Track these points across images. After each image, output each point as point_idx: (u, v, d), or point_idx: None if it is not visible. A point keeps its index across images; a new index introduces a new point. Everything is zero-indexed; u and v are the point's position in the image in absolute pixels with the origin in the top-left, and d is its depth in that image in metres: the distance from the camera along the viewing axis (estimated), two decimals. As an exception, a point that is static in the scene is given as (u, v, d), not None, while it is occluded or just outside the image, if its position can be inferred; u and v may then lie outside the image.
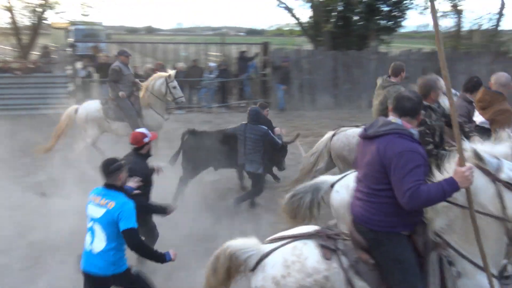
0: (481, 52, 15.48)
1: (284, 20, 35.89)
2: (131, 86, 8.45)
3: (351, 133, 6.17)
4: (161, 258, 3.65)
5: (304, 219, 4.39)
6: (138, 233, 3.59)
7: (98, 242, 3.56)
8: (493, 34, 16.48)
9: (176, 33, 39.05)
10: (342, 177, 4.41)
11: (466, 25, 17.45)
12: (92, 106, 8.47)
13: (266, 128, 6.61)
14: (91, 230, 3.61)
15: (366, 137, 3.10)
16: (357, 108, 14.63)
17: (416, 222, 3.05)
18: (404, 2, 16.88)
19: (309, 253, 3.07)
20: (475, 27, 16.95)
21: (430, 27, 19.26)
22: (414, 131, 3.03)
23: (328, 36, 16.02)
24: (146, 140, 4.71)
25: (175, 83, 8.47)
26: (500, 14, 16.75)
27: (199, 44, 16.44)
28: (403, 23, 17.93)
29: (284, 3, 17.16)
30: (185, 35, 33.34)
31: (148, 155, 4.77)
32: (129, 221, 3.51)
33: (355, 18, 16.76)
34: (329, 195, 4.36)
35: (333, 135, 6.35)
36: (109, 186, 3.66)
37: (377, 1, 16.34)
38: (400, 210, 2.92)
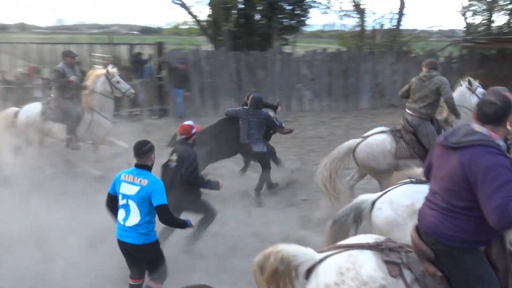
0: (384, 52, 16.29)
1: (182, 18, 35.37)
2: (76, 89, 8.50)
3: (373, 142, 6.49)
4: (184, 224, 4.40)
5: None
6: (168, 208, 4.19)
7: (133, 216, 4.18)
8: (395, 34, 17.47)
9: (56, 31, 36.48)
10: (383, 194, 4.31)
11: (369, 25, 18.42)
12: (33, 108, 8.54)
13: (266, 111, 7.49)
14: (125, 206, 4.23)
15: (446, 147, 2.96)
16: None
17: (495, 237, 2.98)
18: (307, 0, 17.32)
19: (364, 261, 3.04)
20: (377, 27, 17.87)
21: (337, 26, 19.96)
22: (501, 142, 2.88)
23: (228, 36, 15.78)
24: (193, 131, 5.60)
25: (117, 78, 8.56)
26: (401, 14, 17.85)
27: (82, 44, 15.25)
28: (307, 22, 18.43)
29: (180, 0, 16.69)
30: (67, 33, 31.28)
31: (194, 144, 5.61)
32: (161, 198, 4.15)
33: (257, 16, 16.72)
34: (371, 214, 4.26)
35: (357, 145, 6.55)
36: (141, 166, 4.27)
37: (280, 0, 16.51)
38: (481, 228, 2.84)
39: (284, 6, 16.88)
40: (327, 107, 15.40)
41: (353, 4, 18.14)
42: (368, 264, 3.02)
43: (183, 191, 5.26)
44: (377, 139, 6.53)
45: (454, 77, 16.65)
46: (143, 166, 4.28)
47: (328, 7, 18.16)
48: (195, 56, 14.63)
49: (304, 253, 3.19)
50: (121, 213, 4.27)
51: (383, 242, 3.15)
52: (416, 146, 6.48)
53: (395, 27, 17.79)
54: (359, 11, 18.07)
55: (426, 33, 23.56)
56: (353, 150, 6.58)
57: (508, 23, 19.94)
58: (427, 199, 3.13)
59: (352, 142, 6.70)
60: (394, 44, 16.66)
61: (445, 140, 2.99)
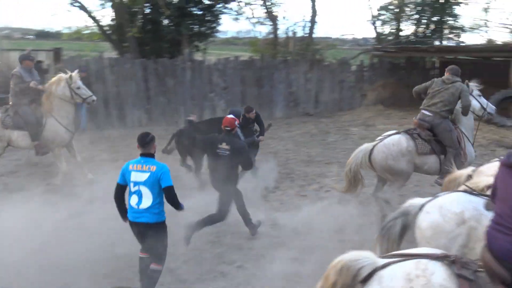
0: (297, 60, 17.09)
1: (83, 22, 34.30)
2: (34, 94, 8.69)
3: (390, 141, 6.91)
4: (179, 206, 5.23)
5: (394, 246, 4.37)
6: (174, 189, 5.08)
7: (146, 200, 5.01)
8: (308, 41, 18.39)
9: None
10: (434, 198, 4.35)
11: (282, 33, 19.19)
12: None
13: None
14: (138, 192, 5.03)
15: (511, 166, 3.03)
16: (175, 124, 14.63)
17: None
18: (218, 6, 17.72)
19: (435, 270, 3.08)
20: (290, 35, 18.70)
21: (252, 33, 20.51)
22: None
23: (134, 42, 15.67)
24: (236, 123, 6.77)
25: (78, 83, 8.74)
26: (313, 21, 18.81)
27: (-36, 49, 14.39)
28: (220, 29, 18.80)
29: (79, 2, 16.31)
30: None
31: (236, 135, 6.93)
32: (168, 180, 5.01)
33: (165, 22, 16.79)
34: (417, 216, 4.28)
35: (372, 149, 6.88)
36: (146, 154, 5.10)
37: (188, 4, 16.72)
38: None
39: (194, 12, 17.10)
40: (241, 117, 15.80)
41: (265, 11, 18.86)
42: (439, 273, 3.07)
43: (229, 177, 6.52)
44: (393, 139, 6.99)
45: (366, 85, 18.03)
46: (148, 154, 5.11)
47: (239, 14, 18.69)
48: (98, 64, 14.30)
49: (366, 257, 3.25)
50: (134, 198, 5.07)
51: (453, 255, 3.22)
52: (433, 143, 7.05)
53: (307, 35, 18.72)
54: (272, 18, 18.79)
55: (339, 41, 25.06)
56: (369, 154, 6.95)
57: (415, 32, 21.82)
58: (495, 221, 3.17)
59: (366, 145, 7.07)
60: (307, 52, 17.53)
61: (509, 159, 3.09)
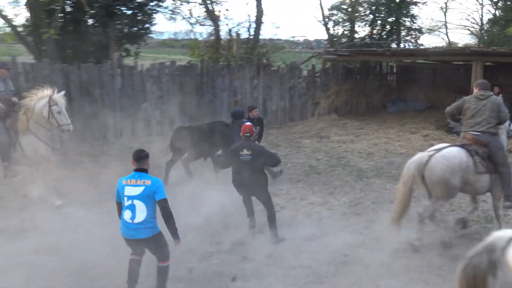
0: (242, 65, 17.15)
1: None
2: (8, 106, 8.86)
3: (449, 153, 7.04)
4: (176, 233, 5.82)
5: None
6: (168, 203, 5.73)
7: (140, 213, 5.64)
8: (253, 44, 18.52)
9: None
10: None
11: (225, 34, 19.22)
12: None
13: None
14: (131, 206, 5.66)
15: None
16: (102, 139, 14.29)
17: None
18: (151, 4, 17.56)
19: None
20: (234, 36, 18.76)
21: (192, 35, 20.38)
22: None
23: (52, 45, 15.20)
24: (255, 130, 8.26)
25: (60, 107, 8.76)
26: (259, 22, 18.98)
27: None
28: (153, 29, 18.66)
29: (-13, -2, 15.75)
30: None
31: (254, 140, 8.11)
32: (163, 194, 5.68)
33: (90, 22, 16.48)
34: (505, 253, 4.10)
35: (430, 158, 7.00)
36: (140, 170, 5.80)
37: (116, 2, 16.47)
38: None
39: (123, 11, 16.86)
40: (180, 130, 15.64)
41: (205, 10, 18.87)
42: None
43: (257, 178, 7.62)
44: (452, 151, 7.08)
45: (318, 92, 18.34)
46: (142, 169, 5.82)
47: (175, 13, 18.61)
48: (11, 70, 13.73)
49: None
50: (127, 213, 5.68)
51: None
52: (487, 161, 7.13)
53: (253, 36, 18.87)
54: (213, 18, 18.83)
55: (289, 43, 25.39)
56: (424, 165, 7.02)
57: (370, 34, 22.48)
58: None
59: (421, 155, 7.16)
60: (253, 56, 17.65)
61: None
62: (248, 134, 7.78)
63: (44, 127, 8.87)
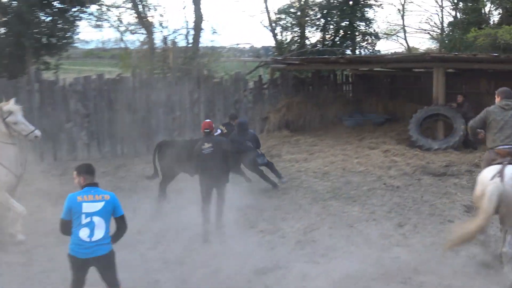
0: (180, 77, 17.09)
1: None
2: None
3: None
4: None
5: None
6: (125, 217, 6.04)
7: (99, 231, 5.79)
8: (193, 53, 18.54)
9: None
10: None
11: (160, 43, 19.17)
12: None
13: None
14: (90, 223, 5.78)
15: None
16: (20, 166, 13.90)
17: None
18: (73, 10, 17.34)
19: None
20: (170, 45, 18.73)
21: (123, 44, 20.19)
22: None
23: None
24: (213, 125, 9.68)
25: (15, 117, 8.70)
26: (198, 28, 19.01)
27: None
28: (77, 38, 18.46)
29: None
30: None
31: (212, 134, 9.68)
32: (121, 209, 5.97)
33: (2, 31, 16.18)
34: None
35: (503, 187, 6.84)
36: (93, 184, 5.97)
37: (32, 8, 16.18)
38: None
39: (41, 18, 16.61)
40: (110, 153, 15.40)
41: (137, 15, 18.78)
42: None
43: (221, 166, 9.10)
44: None
45: (267, 106, 18.47)
46: (95, 184, 5.99)
47: (101, 19, 18.44)
48: None
49: None
50: (84, 231, 5.77)
51: None
52: None
53: (192, 45, 18.88)
54: (145, 24, 18.77)
55: (233, 51, 25.56)
56: (499, 185, 6.89)
57: (322, 40, 22.91)
58: None
59: (493, 186, 6.94)
60: (192, 66, 17.65)
61: None
62: (207, 130, 9.33)
63: (4, 147, 8.71)
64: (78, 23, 17.71)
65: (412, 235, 8.67)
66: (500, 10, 23.86)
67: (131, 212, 9.33)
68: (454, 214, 9.67)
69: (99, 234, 5.81)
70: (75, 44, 19.66)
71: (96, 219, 5.81)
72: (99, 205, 5.84)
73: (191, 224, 9.02)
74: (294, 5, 22.97)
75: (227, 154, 9.36)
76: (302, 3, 22.81)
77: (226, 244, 8.38)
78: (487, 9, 24.35)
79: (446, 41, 25.10)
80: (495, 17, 24.69)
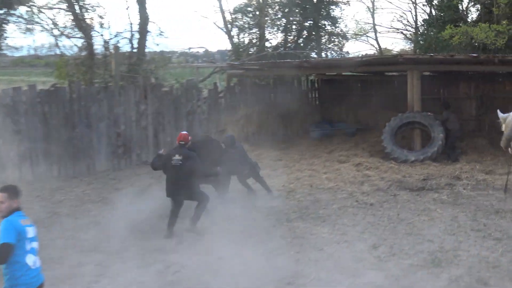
0: (124, 86, 16.95)
1: None
2: None
3: None
4: None
5: None
6: None
7: (38, 256, 6.02)
8: (138, 59, 18.43)
9: None
10: None
11: (100, 48, 19.04)
12: None
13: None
14: (33, 249, 5.95)
15: None
16: None
17: None
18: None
19: None
20: (112, 50, 18.57)
21: (58, 50, 19.95)
22: None
23: None
24: (189, 138, 10.84)
25: None
26: (144, 31, 18.92)
27: None
28: (5, 45, 18.20)
29: None
30: None
31: (189, 148, 10.79)
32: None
33: None
34: None
35: None
36: (20, 208, 6.03)
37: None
38: None
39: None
40: (45, 174, 15.18)
41: (73, 17, 18.61)
42: None
43: (187, 182, 10.29)
44: None
45: (224, 117, 18.46)
46: (20, 208, 6.00)
47: (32, 23, 18.23)
48: None
49: None
50: (30, 258, 5.88)
51: None
52: None
53: (136, 50, 18.78)
54: (83, 27, 18.61)
55: (185, 56, 25.53)
56: None
57: (283, 42, 23.05)
58: None
59: None
60: (138, 74, 17.55)
61: None
62: (182, 142, 10.63)
63: None
64: (5, 27, 17.40)
65: (388, 257, 8.75)
66: (478, 7, 24.39)
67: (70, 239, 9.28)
68: (434, 233, 9.80)
69: (38, 259, 5.99)
70: (3, 51, 19.38)
71: (35, 244, 5.98)
72: (34, 230, 5.99)
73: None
74: (251, 3, 23.07)
75: (193, 171, 10.38)
76: (260, 1, 22.91)
77: (180, 273, 8.31)
78: (464, 5, 24.89)
79: (421, 41, 25.56)
80: (473, 14, 25.27)
